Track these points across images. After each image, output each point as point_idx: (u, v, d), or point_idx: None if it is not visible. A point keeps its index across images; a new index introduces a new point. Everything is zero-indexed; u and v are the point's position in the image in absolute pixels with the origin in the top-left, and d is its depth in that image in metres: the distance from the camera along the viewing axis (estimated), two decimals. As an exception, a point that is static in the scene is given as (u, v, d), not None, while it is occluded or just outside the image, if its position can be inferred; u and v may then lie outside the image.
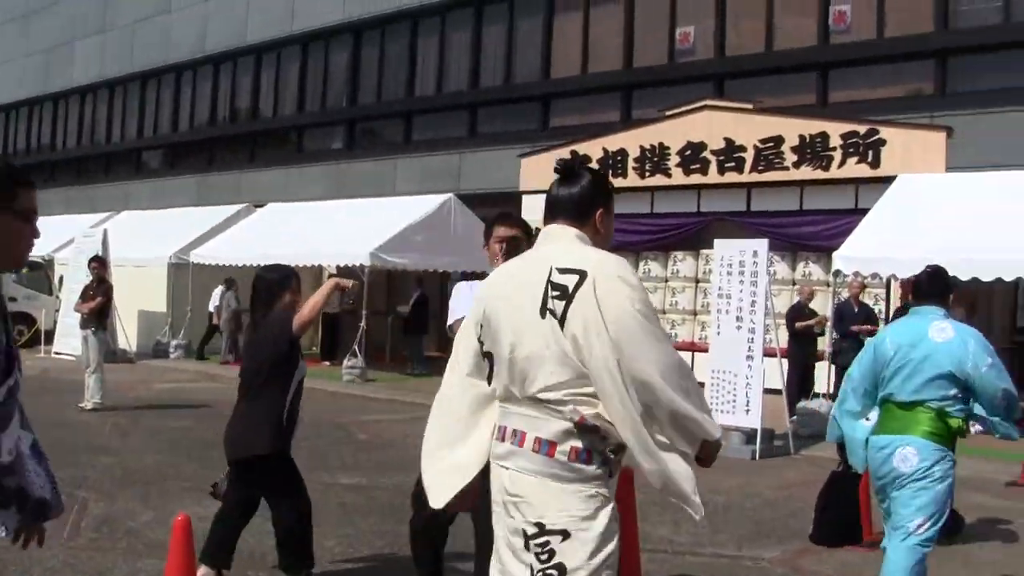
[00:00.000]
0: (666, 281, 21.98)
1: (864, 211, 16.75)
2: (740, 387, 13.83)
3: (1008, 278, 14.17)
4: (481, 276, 6.28)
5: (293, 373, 7.05)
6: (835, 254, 15.39)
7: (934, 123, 18.70)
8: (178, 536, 5.33)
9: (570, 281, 3.62)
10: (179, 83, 37.83)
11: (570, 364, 3.61)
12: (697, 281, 21.33)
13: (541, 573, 3.61)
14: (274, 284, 7.14)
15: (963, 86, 20.63)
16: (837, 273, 15.59)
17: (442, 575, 6.57)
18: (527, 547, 3.65)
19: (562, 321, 3.61)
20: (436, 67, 28.41)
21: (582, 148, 22.11)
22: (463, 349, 4.02)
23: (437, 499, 3.93)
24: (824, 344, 17.32)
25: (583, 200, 3.97)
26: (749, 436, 13.86)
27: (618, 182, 21.68)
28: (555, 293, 3.64)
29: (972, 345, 6.23)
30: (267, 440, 6.86)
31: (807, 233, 19.51)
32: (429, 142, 28.13)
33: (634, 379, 3.53)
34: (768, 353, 14.66)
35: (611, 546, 3.63)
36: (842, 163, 18.77)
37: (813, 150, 19.09)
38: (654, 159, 21.21)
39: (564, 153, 22.24)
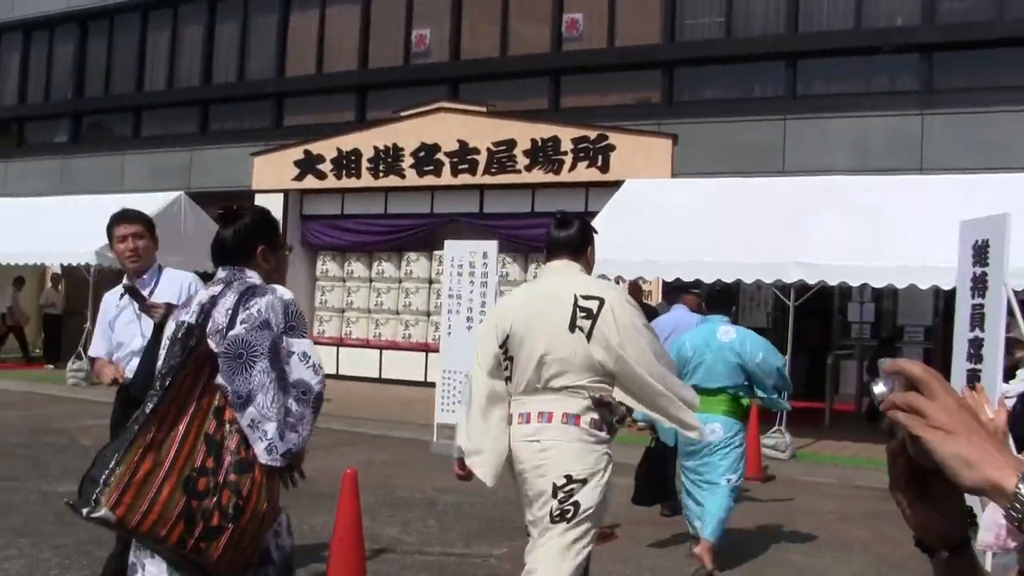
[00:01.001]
0: (400, 282, 22.04)
1: (594, 214, 17.12)
2: (471, 387, 13.91)
3: (728, 279, 14.69)
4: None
5: None
6: (564, 256, 15.68)
7: (661, 131, 19.29)
8: None
9: (593, 305, 5.16)
10: None
11: (592, 366, 5.15)
12: (430, 282, 21.46)
13: (560, 509, 5.10)
14: None
15: (688, 96, 21.36)
16: (566, 275, 15.90)
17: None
18: (554, 495, 5.12)
19: (589, 335, 5.14)
20: (167, 61, 27.62)
21: (316, 148, 21.95)
22: (483, 352, 5.36)
23: (488, 482, 5.33)
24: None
25: (578, 241, 5.50)
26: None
27: (351, 183, 21.65)
28: (582, 314, 5.16)
29: (748, 343, 8.30)
30: None
31: (538, 235, 19.78)
32: (159, 138, 27.33)
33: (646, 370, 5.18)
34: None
35: (609, 491, 5.27)
36: (573, 167, 19.20)
37: (545, 154, 19.46)
38: (388, 160, 21.22)
39: (298, 152, 22.06)
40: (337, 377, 21.76)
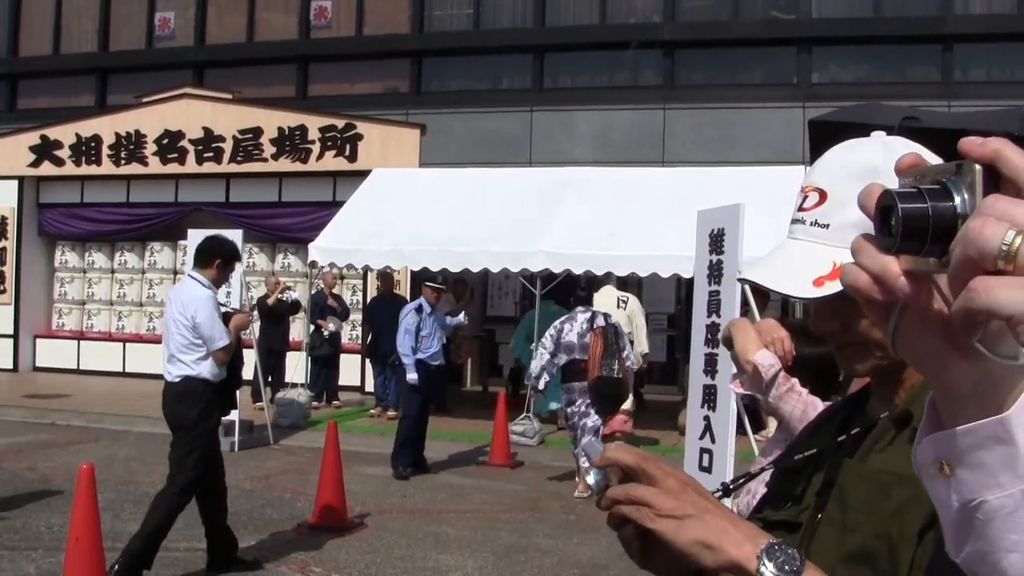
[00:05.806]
0: (143, 273, 21.48)
1: (341, 203, 17.05)
2: (217, 379, 13.60)
3: (475, 269, 14.83)
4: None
5: None
6: (311, 245, 15.51)
7: (409, 120, 19.32)
8: None
9: (624, 301, 14.38)
10: None
11: (624, 322, 13.41)
12: (176, 272, 20.92)
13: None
14: None
15: (436, 86, 21.49)
16: (313, 264, 15.74)
17: None
18: None
19: (626, 310, 14.22)
20: None
21: (54, 133, 21.13)
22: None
23: None
24: (300, 334, 17.49)
25: (616, 281, 14.77)
26: (227, 428, 13.70)
27: (92, 170, 20.97)
28: (622, 303, 14.27)
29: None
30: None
31: (285, 225, 19.67)
32: None
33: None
34: (246, 345, 14.58)
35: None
36: (320, 156, 19.04)
37: (292, 142, 19.24)
38: (130, 147, 20.59)
39: (33, 137, 21.18)
40: (78, 372, 21.05)
